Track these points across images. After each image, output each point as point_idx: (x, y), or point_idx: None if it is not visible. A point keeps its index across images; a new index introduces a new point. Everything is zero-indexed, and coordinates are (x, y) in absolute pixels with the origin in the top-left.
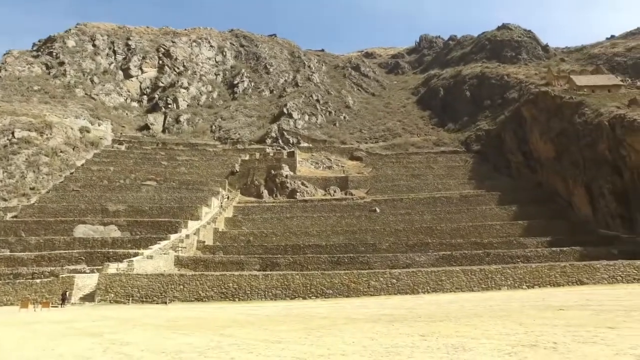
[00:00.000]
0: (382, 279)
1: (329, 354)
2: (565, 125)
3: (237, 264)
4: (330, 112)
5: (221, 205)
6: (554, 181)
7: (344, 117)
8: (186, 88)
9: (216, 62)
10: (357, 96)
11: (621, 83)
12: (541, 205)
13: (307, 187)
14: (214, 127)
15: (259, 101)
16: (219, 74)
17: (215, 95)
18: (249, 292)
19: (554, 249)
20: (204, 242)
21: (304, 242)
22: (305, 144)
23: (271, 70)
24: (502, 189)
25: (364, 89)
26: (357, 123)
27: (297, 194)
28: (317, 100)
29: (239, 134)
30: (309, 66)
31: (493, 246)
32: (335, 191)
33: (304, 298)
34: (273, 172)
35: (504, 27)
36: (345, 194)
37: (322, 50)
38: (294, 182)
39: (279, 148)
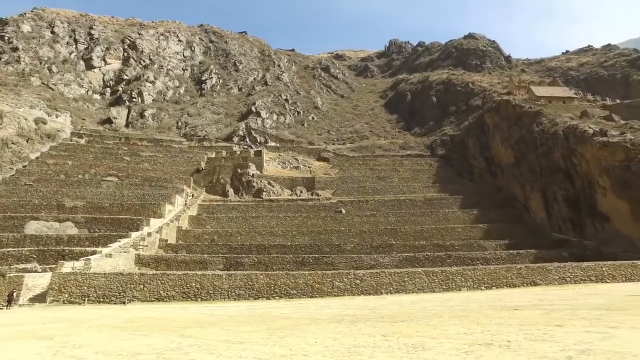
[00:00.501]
0: (346, 279)
1: (291, 355)
2: (524, 133)
3: (201, 264)
4: (298, 112)
5: (185, 203)
6: (513, 186)
7: (313, 118)
8: (152, 82)
9: (184, 57)
10: (326, 97)
11: (574, 96)
12: (501, 209)
13: (273, 186)
14: (180, 123)
15: (227, 98)
16: (186, 69)
17: (182, 90)
18: (211, 292)
19: (511, 251)
20: (166, 240)
21: (269, 242)
22: (273, 144)
23: (240, 67)
24: (465, 193)
25: (333, 91)
26: (325, 124)
27: (264, 193)
28: (286, 100)
29: (205, 131)
30: (279, 65)
31: (455, 248)
32: (301, 191)
33: (268, 298)
34: (239, 170)
35: (470, 36)
36: (312, 195)
37: (293, 50)
38: (261, 181)
39: (246, 147)
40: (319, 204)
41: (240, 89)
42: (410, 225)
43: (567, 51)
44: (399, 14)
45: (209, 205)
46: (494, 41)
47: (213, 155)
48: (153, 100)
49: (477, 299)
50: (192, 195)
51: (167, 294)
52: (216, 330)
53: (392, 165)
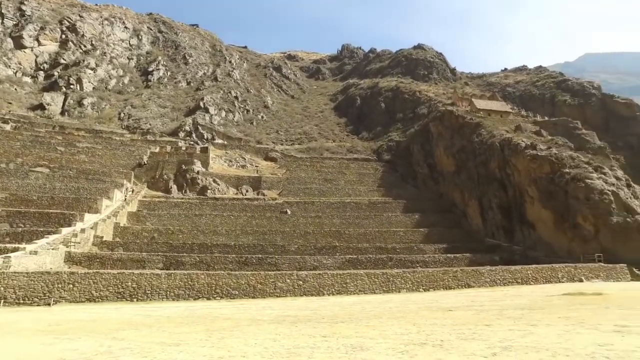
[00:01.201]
0: (289, 280)
1: (229, 356)
2: (465, 143)
3: (138, 262)
4: (248, 111)
5: (125, 199)
6: (453, 193)
7: (262, 117)
8: (93, 69)
9: (130, 45)
10: (276, 97)
11: (511, 110)
12: (441, 214)
13: (219, 184)
14: (122, 114)
15: (175, 92)
16: (132, 59)
17: (126, 80)
18: (149, 292)
19: (449, 255)
20: (102, 237)
21: (212, 241)
22: (220, 141)
23: (190, 61)
24: (408, 198)
25: (284, 91)
26: (275, 124)
27: (208, 191)
28: (236, 97)
29: (150, 125)
30: (230, 61)
31: (396, 251)
32: (247, 191)
33: (209, 299)
34: (184, 167)
35: (419, 47)
36: (258, 194)
37: (245, 47)
38: (206, 178)
39: (192, 143)
40: (265, 204)
41: (189, 83)
42: (354, 228)
43: (505, 69)
44: (352, 20)
45: (150, 201)
46: (441, 53)
47: (157, 150)
48: (94, 88)
49: (415, 301)
50: (133, 191)
51: (99, 294)
52: (152, 332)
53: (339, 168)
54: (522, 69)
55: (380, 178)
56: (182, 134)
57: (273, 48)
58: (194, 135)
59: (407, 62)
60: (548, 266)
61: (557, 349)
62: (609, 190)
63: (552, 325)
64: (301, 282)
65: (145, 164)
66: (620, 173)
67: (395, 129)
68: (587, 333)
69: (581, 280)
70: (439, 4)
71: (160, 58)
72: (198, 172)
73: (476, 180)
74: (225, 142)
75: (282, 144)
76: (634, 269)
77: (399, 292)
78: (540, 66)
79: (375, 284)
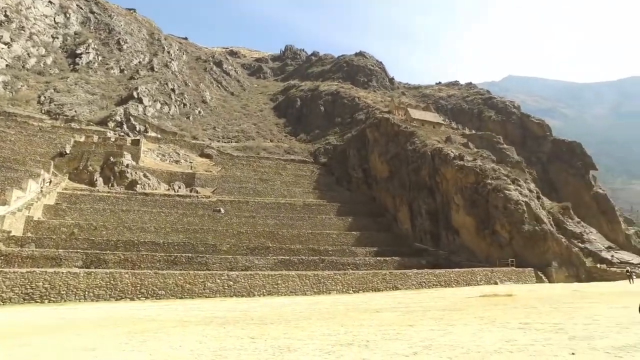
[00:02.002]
0: (219, 280)
1: None
2: (399, 150)
3: (54, 260)
4: (185, 105)
5: (41, 191)
6: (386, 198)
7: (199, 112)
8: (7, 44)
9: (55, 22)
10: (215, 93)
11: (442, 122)
12: (373, 218)
13: (149, 179)
14: (43, 98)
15: (106, 79)
16: (57, 38)
17: (49, 61)
18: (64, 292)
19: (379, 258)
20: (9, 232)
21: (139, 239)
22: (154, 134)
23: (125, 47)
24: (342, 201)
25: (224, 87)
26: (212, 120)
27: (138, 185)
28: (173, 90)
29: (75, 111)
30: (169, 52)
31: (328, 253)
32: (180, 187)
33: (132, 299)
34: (112, 159)
35: (361, 54)
36: (191, 191)
37: (186, 39)
38: (136, 172)
39: (122, 134)
40: (198, 202)
41: (122, 71)
42: (287, 229)
43: (439, 82)
44: (297, 21)
45: (72, 194)
46: (381, 62)
47: (82, 139)
48: (7, 65)
49: (344, 302)
50: (51, 182)
51: (3, 295)
52: (65, 336)
53: (276, 168)
54: (454, 84)
55: (316, 180)
56: (111, 124)
57: (215, 42)
58: (125, 126)
59: (348, 68)
60: (468, 270)
61: (470, 346)
62: (523, 201)
63: (468, 324)
64: (232, 282)
65: (67, 154)
66: (532, 186)
67: (333, 132)
68: (496, 331)
69: (496, 283)
70: (382, 15)
71: (90, 41)
72: (127, 166)
73: (407, 187)
74: (159, 136)
75: (218, 141)
76: (539, 273)
77: (330, 293)
78: (471, 83)
79: (307, 286)
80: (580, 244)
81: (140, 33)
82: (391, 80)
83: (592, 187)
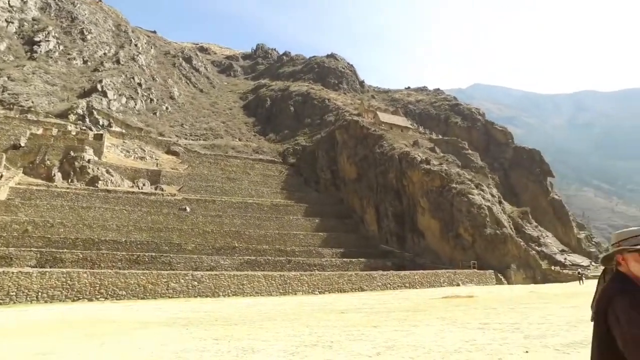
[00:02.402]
0: (183, 280)
1: None
2: (367, 153)
3: (4, 259)
4: (152, 100)
5: None
6: (353, 200)
7: (167, 108)
8: None
9: (10, 6)
10: (184, 89)
11: (410, 126)
12: (340, 219)
13: (112, 176)
14: None
15: (67, 69)
16: (12, 22)
17: (3, 47)
18: (14, 293)
19: (345, 259)
20: None
21: (100, 237)
22: (118, 129)
23: (89, 38)
24: (310, 202)
25: (193, 83)
26: (180, 117)
27: (100, 182)
28: (139, 84)
29: (32, 102)
30: (136, 45)
31: (295, 254)
32: (144, 184)
33: (91, 300)
34: (73, 153)
35: (332, 56)
36: (156, 189)
37: (154, 32)
38: (98, 168)
39: (84, 128)
40: (163, 200)
41: (85, 62)
42: (254, 229)
43: (408, 87)
44: (269, 20)
45: (27, 189)
46: (352, 65)
47: (39, 132)
48: None
49: (310, 303)
50: (2, 176)
51: None
52: (16, 341)
53: (244, 167)
54: (423, 90)
55: (284, 181)
56: (72, 117)
57: (185, 37)
58: (87, 119)
59: (319, 69)
60: (432, 272)
61: (432, 346)
62: (485, 206)
63: (431, 325)
64: (196, 282)
65: (22, 147)
66: (494, 191)
67: (303, 133)
68: (457, 331)
69: (458, 285)
70: (355, 18)
71: (51, 28)
72: (89, 161)
73: (375, 189)
74: (124, 131)
75: (186, 138)
76: (499, 274)
77: (296, 294)
78: (439, 89)
79: (273, 286)
80: (537, 247)
81: (106, 24)
82: (361, 83)
83: (549, 193)
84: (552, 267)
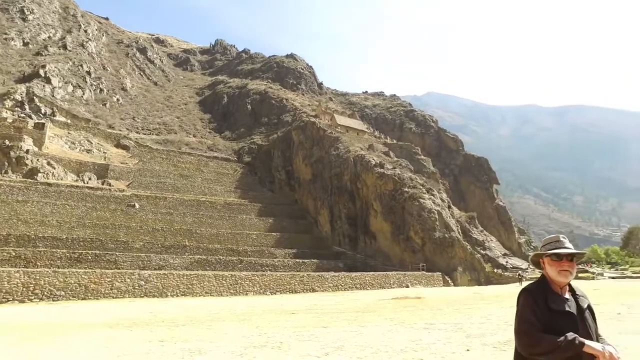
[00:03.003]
0: (129, 280)
1: None
2: (323, 154)
3: None
4: (102, 90)
5: None
6: (307, 201)
7: (118, 100)
8: None
9: None
10: (137, 81)
11: (366, 130)
12: (294, 220)
13: (54, 168)
14: None
15: (4, 50)
16: None
17: None
18: None
19: (297, 260)
20: None
21: (37, 233)
22: (63, 119)
23: (31, 18)
24: (264, 202)
25: (147, 76)
26: (132, 109)
27: (40, 174)
28: (88, 73)
29: None
30: (86, 31)
31: (247, 254)
32: (90, 178)
33: (23, 301)
34: (9, 142)
35: (292, 56)
36: (103, 184)
37: (107, 19)
38: (38, 160)
39: (23, 115)
40: (110, 195)
41: (26, 44)
42: (206, 228)
43: (366, 91)
44: (229, 15)
45: None
46: (311, 66)
47: None
48: None
49: (261, 304)
50: None
51: None
52: None
53: (197, 164)
54: (380, 94)
55: (239, 179)
56: (9, 103)
57: (140, 27)
58: (27, 107)
59: (278, 69)
60: (383, 274)
61: (380, 346)
62: (435, 210)
63: (379, 325)
64: (143, 282)
65: None
66: (444, 196)
67: (259, 132)
68: (405, 331)
69: (408, 286)
70: (315, 21)
71: None
72: (28, 151)
73: (329, 191)
74: (69, 122)
75: (137, 132)
76: (446, 277)
77: (247, 294)
78: (395, 95)
79: (223, 286)
80: (482, 251)
81: (52, 5)
82: (320, 85)
83: (495, 200)
84: (495, 270)
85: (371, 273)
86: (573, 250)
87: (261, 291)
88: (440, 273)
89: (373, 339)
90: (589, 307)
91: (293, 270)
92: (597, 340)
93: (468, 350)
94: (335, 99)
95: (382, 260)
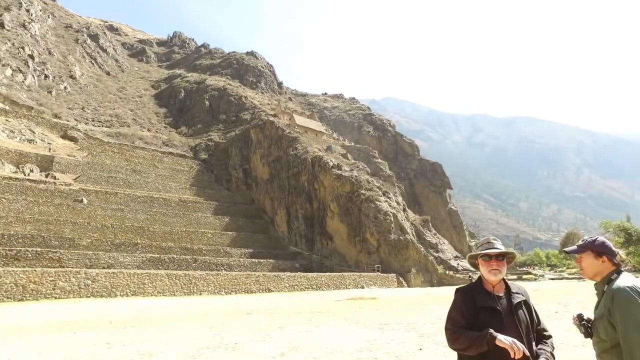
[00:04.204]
0: (74, 279)
1: None
2: (281, 154)
3: None
4: (47, 76)
5: None
6: (264, 200)
7: (65, 88)
8: None
9: None
10: (87, 69)
11: (325, 131)
12: (250, 219)
13: None
14: None
15: None
16: None
17: None
18: None
19: (253, 260)
20: None
21: None
22: (1, 105)
23: None
24: (220, 200)
25: (99, 64)
26: (81, 99)
27: None
28: (31, 56)
29: None
30: (28, 10)
31: (202, 253)
32: (32, 170)
33: None
34: None
35: (252, 54)
36: (47, 177)
37: (54, 0)
38: None
39: None
40: (55, 189)
41: None
42: (160, 226)
43: (325, 93)
44: (188, 8)
45: None
46: (271, 65)
47: None
48: None
49: (215, 304)
50: None
51: None
52: None
53: (152, 160)
54: (339, 97)
55: (194, 177)
56: None
57: (91, 12)
58: None
59: (238, 66)
60: (339, 274)
61: (335, 346)
62: (391, 212)
63: (335, 326)
64: (90, 281)
65: None
66: (400, 199)
67: (217, 129)
68: (360, 331)
69: (363, 287)
70: (277, 18)
71: None
72: None
73: (287, 191)
74: (8, 108)
75: (87, 124)
76: (400, 278)
77: (201, 294)
78: (354, 98)
79: (177, 286)
80: (435, 253)
81: None
82: (280, 84)
83: (448, 204)
84: (447, 272)
85: (327, 274)
86: (500, 250)
87: (216, 291)
88: (394, 274)
89: (329, 339)
90: (525, 303)
91: (249, 270)
92: (535, 334)
93: (421, 349)
94: (295, 99)
95: (338, 261)
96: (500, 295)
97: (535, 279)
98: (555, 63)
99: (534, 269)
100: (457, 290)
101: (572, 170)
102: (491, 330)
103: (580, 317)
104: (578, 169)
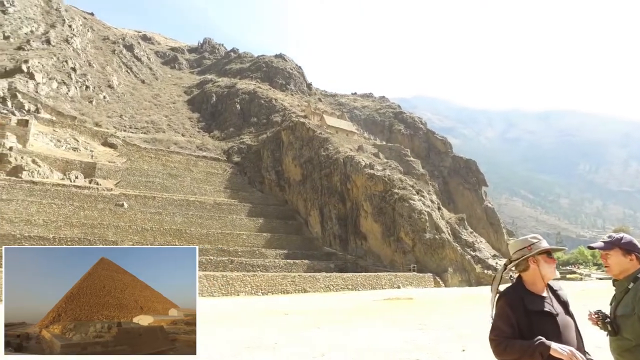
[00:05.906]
0: None
1: None
2: (312, 155)
3: None
4: (87, 87)
5: None
6: (297, 201)
7: (104, 97)
8: None
9: None
10: (124, 78)
11: (356, 131)
12: (284, 220)
13: (39, 166)
14: None
15: None
16: None
17: None
18: None
19: (289, 260)
20: None
21: (23, 233)
22: (48, 116)
23: (11, 11)
24: (253, 202)
25: (134, 73)
26: (119, 107)
27: (24, 172)
28: (74, 69)
29: None
30: (70, 26)
31: (238, 254)
32: (77, 177)
33: None
34: None
35: (281, 56)
36: (90, 183)
37: (92, 14)
38: (23, 157)
39: (5, 112)
40: (98, 194)
41: (6, 38)
42: (196, 228)
43: (355, 93)
44: (218, 14)
45: None
46: (300, 67)
47: None
48: None
49: (253, 304)
50: None
51: None
52: None
53: (186, 164)
54: (369, 96)
55: (228, 179)
56: None
57: (126, 23)
58: (9, 103)
59: (267, 69)
60: (374, 274)
61: (374, 346)
62: (425, 211)
63: (373, 326)
64: None
65: None
66: (434, 197)
67: (248, 132)
68: (398, 331)
69: (399, 287)
70: (305, 19)
71: None
72: (11, 149)
73: (319, 191)
74: (54, 119)
75: (125, 131)
76: (437, 278)
77: (239, 295)
78: (384, 96)
79: (215, 287)
80: (471, 252)
81: None
82: (309, 85)
83: (483, 201)
84: (485, 271)
85: (363, 274)
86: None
87: (253, 292)
88: (431, 274)
89: (367, 339)
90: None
91: (284, 270)
92: (578, 334)
93: (464, 350)
94: (325, 99)
95: (373, 261)
96: (545, 295)
97: (580, 279)
98: (596, 52)
99: (578, 268)
100: (502, 296)
101: (617, 163)
102: (543, 339)
103: (603, 315)
104: (625, 162)
